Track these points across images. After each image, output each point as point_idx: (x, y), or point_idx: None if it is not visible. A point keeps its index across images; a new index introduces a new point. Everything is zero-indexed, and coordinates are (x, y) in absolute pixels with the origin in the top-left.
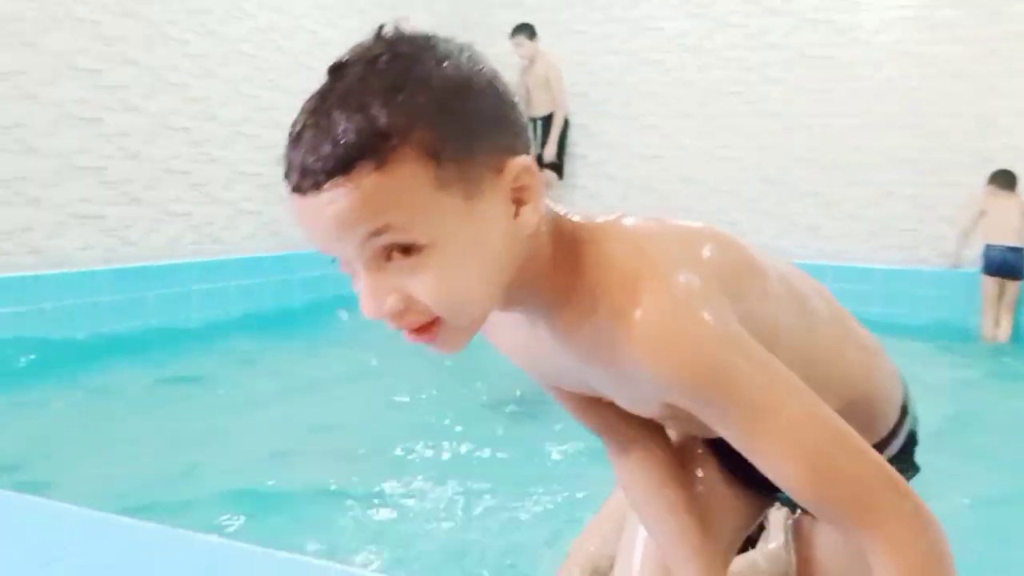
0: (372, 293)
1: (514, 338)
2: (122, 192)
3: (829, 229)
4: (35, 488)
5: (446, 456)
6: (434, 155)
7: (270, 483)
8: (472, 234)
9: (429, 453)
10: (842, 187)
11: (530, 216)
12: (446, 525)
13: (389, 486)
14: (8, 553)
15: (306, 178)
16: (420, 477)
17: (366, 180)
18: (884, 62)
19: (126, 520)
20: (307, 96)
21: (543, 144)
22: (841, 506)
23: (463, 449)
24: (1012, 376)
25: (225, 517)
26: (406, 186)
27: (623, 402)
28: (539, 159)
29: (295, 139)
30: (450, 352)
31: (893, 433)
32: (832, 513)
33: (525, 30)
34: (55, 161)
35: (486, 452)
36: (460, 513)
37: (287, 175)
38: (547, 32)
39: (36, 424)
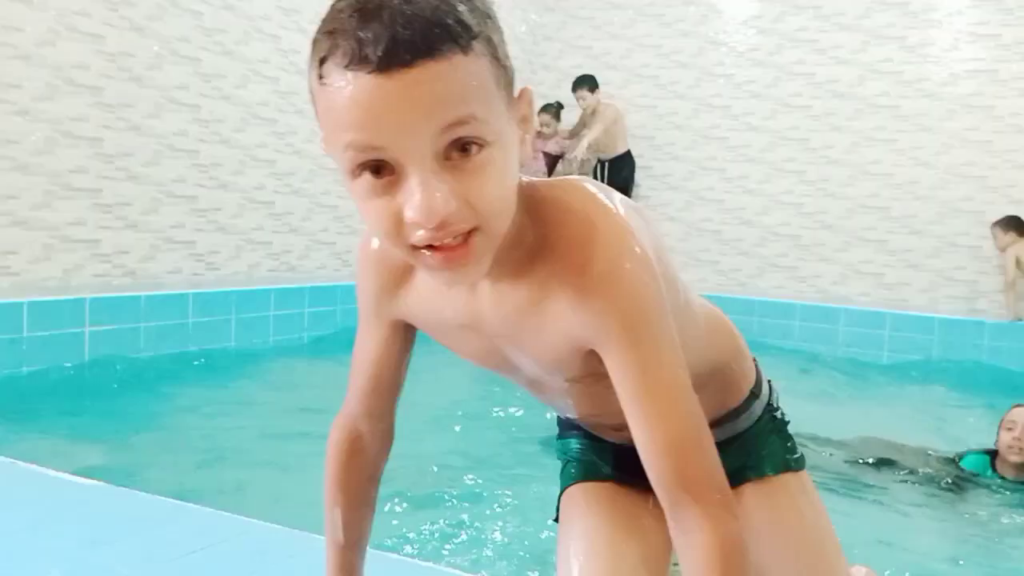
0: (431, 196)
1: (441, 303)
2: (210, 220)
3: (891, 277)
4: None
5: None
6: (495, 56)
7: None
8: (513, 142)
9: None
10: (904, 236)
11: (527, 146)
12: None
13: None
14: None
15: (393, 54)
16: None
17: (457, 64)
18: (951, 114)
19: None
20: None
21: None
22: (685, 480)
23: (503, 473)
24: None
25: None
26: (483, 79)
27: (538, 364)
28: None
29: (369, 14)
30: (467, 279)
31: (746, 404)
32: (675, 483)
33: (587, 83)
34: (153, 188)
35: (520, 472)
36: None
37: (355, 51)
38: (615, 76)
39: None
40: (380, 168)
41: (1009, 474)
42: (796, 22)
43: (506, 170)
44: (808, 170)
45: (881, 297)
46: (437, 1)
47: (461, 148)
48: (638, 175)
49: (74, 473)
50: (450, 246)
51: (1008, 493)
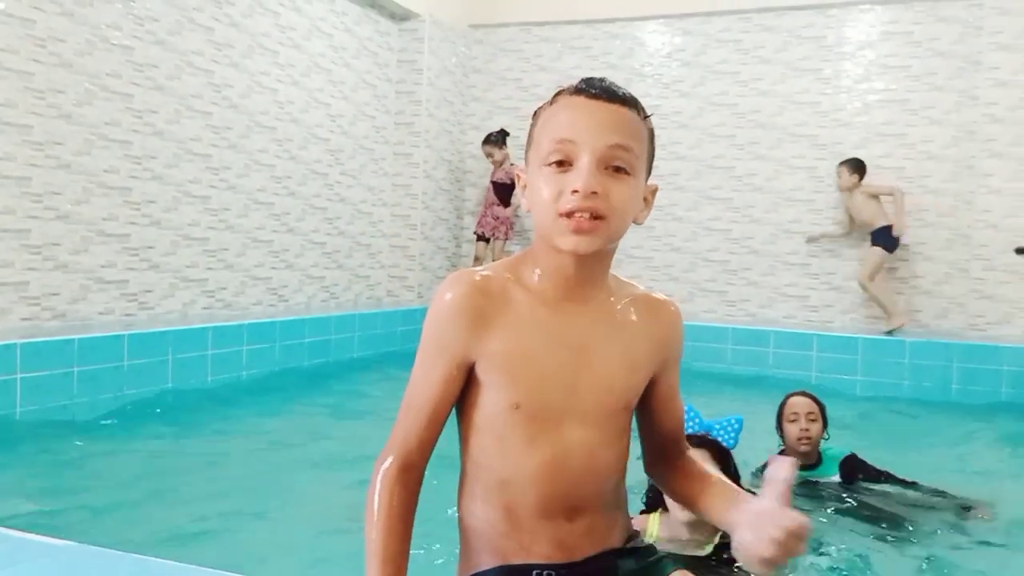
0: (593, 175)
1: (540, 326)
2: (142, 258)
3: (815, 299)
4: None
5: None
6: (651, 143)
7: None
8: (638, 193)
9: None
10: (826, 259)
11: (642, 215)
12: None
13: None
14: None
15: (613, 94)
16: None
17: (637, 119)
18: (865, 142)
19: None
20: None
21: None
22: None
23: None
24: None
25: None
26: (643, 142)
27: (610, 381)
28: None
29: (597, 80)
30: (590, 246)
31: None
32: (681, 438)
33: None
34: (83, 227)
35: None
36: None
37: (586, 88)
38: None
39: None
40: (561, 164)
41: (801, 447)
42: (718, 55)
43: (634, 199)
44: (734, 197)
45: (805, 319)
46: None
47: (616, 169)
48: None
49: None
50: (585, 220)
51: (806, 487)
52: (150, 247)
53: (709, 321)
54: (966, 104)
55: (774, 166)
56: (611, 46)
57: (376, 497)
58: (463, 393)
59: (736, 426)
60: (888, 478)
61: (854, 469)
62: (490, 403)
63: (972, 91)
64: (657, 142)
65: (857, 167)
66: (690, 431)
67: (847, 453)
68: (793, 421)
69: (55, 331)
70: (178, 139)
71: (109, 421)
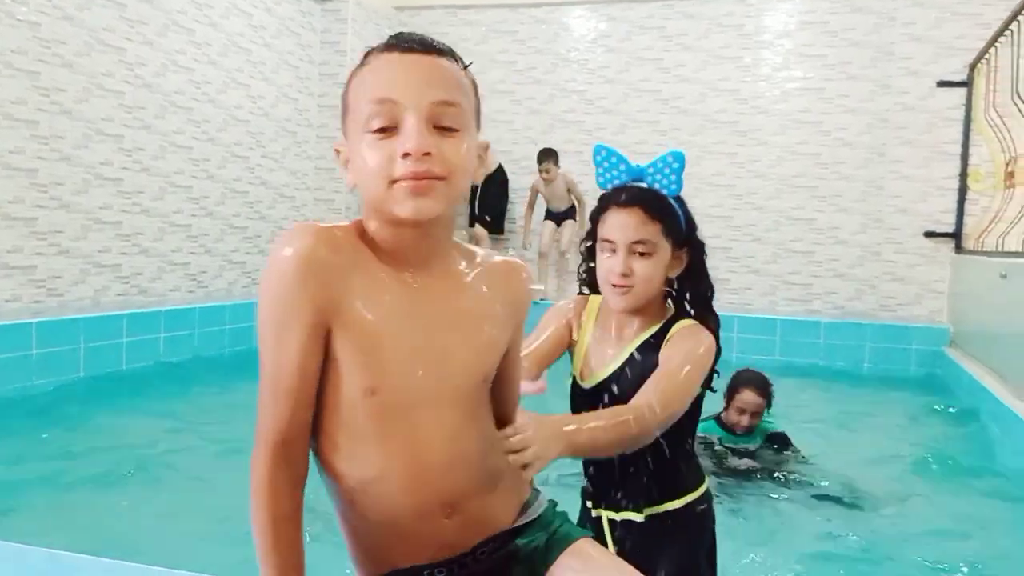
0: (423, 135)
1: (395, 297)
2: (51, 243)
3: (735, 282)
4: None
5: None
6: (476, 95)
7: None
8: (473, 149)
9: None
10: (746, 243)
11: (479, 172)
12: None
13: None
14: None
15: (429, 46)
16: None
17: (458, 70)
18: (783, 129)
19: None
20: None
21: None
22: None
23: None
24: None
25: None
26: (468, 93)
27: (474, 350)
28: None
29: (409, 34)
30: (432, 209)
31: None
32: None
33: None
34: None
35: None
36: None
37: (403, 41)
38: None
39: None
40: (384, 130)
41: (738, 431)
42: (642, 42)
43: (471, 156)
44: None
45: (726, 301)
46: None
47: (445, 129)
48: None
49: None
50: (426, 177)
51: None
52: (59, 231)
53: None
54: (879, 93)
55: (696, 152)
56: (537, 31)
57: (263, 500)
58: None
59: (675, 164)
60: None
61: (775, 448)
62: (340, 388)
63: (885, 80)
64: (583, 127)
65: (556, 157)
66: (615, 181)
67: (778, 432)
68: (741, 412)
69: None
70: (88, 119)
71: (16, 412)
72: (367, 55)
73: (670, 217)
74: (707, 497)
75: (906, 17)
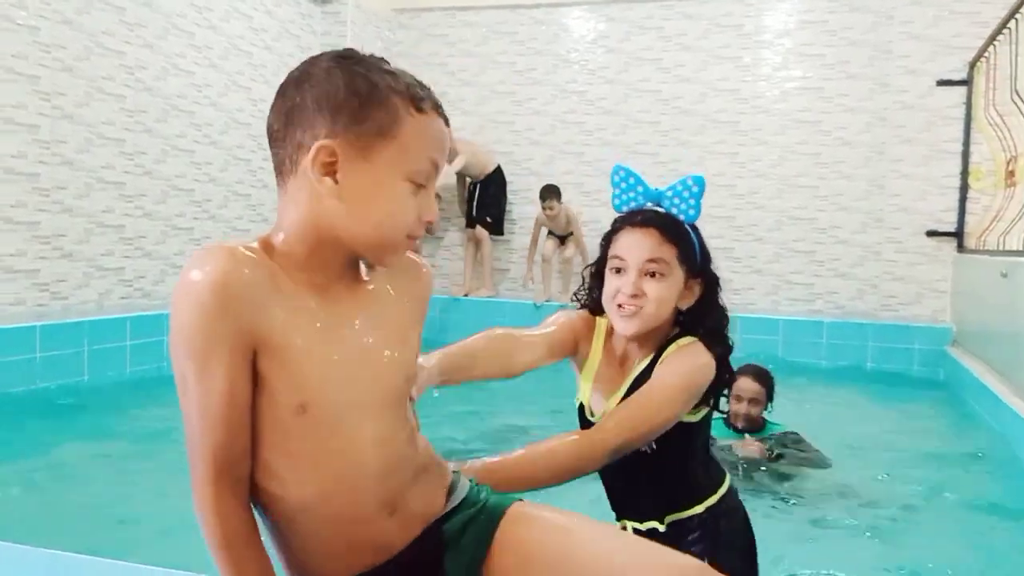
0: (435, 207)
1: (314, 311)
2: (54, 246)
3: (738, 282)
4: None
5: None
6: None
7: None
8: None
9: None
10: (748, 243)
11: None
12: None
13: None
14: None
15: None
16: None
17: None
18: (784, 128)
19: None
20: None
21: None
22: None
23: None
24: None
25: None
26: None
27: (397, 349)
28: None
29: (433, 93)
30: (392, 263)
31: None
32: None
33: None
34: None
35: None
36: None
37: (439, 106)
38: (472, 93)
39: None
40: (421, 186)
41: (740, 424)
42: (641, 42)
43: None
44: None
45: (729, 302)
46: None
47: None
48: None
49: None
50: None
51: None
52: (62, 235)
53: None
54: (878, 91)
55: (697, 152)
56: (536, 31)
57: (215, 529)
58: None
59: (696, 188)
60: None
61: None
62: (269, 410)
63: (884, 79)
64: (584, 128)
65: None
66: (632, 203)
67: (788, 432)
68: (738, 401)
69: None
70: (89, 123)
71: (20, 414)
72: (422, 102)
73: (686, 243)
74: (730, 497)
75: (904, 16)
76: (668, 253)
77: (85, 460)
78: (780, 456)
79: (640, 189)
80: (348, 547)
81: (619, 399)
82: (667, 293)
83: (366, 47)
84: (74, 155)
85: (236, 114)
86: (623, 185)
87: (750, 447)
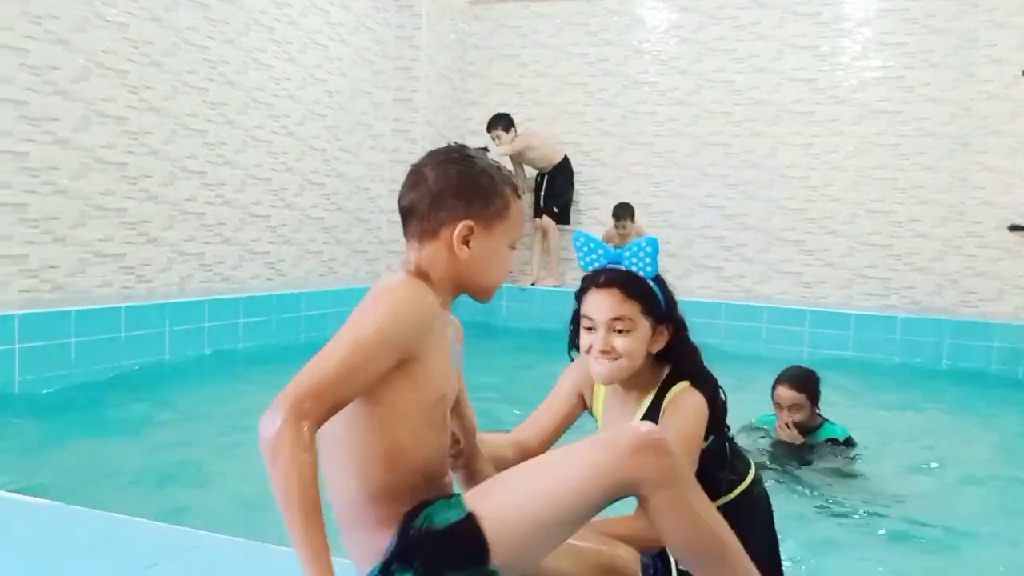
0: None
1: (443, 334)
2: (140, 232)
3: (808, 276)
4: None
5: None
6: None
7: None
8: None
9: None
10: (821, 236)
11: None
12: None
13: None
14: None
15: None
16: None
17: None
18: (861, 119)
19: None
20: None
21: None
22: None
23: None
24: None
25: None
26: None
27: (456, 362)
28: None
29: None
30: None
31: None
32: None
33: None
34: (81, 202)
35: None
36: None
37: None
38: (545, 84)
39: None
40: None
41: (782, 436)
42: (715, 32)
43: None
44: (730, 174)
45: (799, 295)
46: None
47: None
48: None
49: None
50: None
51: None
52: (147, 221)
53: (704, 297)
54: (962, 81)
55: (771, 143)
56: (609, 22)
57: (295, 472)
58: (393, 380)
59: (649, 249)
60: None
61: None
62: (424, 393)
63: (968, 68)
64: (655, 119)
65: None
66: (595, 264)
67: (843, 436)
68: (779, 409)
69: (54, 303)
70: (174, 115)
71: (105, 391)
72: (518, 190)
73: (648, 297)
74: (755, 487)
75: (989, 3)
76: (631, 310)
77: (168, 434)
78: (812, 447)
79: (600, 252)
80: (424, 490)
81: None
82: (634, 345)
83: (441, 40)
84: (160, 146)
85: (313, 106)
86: (585, 249)
87: (785, 431)
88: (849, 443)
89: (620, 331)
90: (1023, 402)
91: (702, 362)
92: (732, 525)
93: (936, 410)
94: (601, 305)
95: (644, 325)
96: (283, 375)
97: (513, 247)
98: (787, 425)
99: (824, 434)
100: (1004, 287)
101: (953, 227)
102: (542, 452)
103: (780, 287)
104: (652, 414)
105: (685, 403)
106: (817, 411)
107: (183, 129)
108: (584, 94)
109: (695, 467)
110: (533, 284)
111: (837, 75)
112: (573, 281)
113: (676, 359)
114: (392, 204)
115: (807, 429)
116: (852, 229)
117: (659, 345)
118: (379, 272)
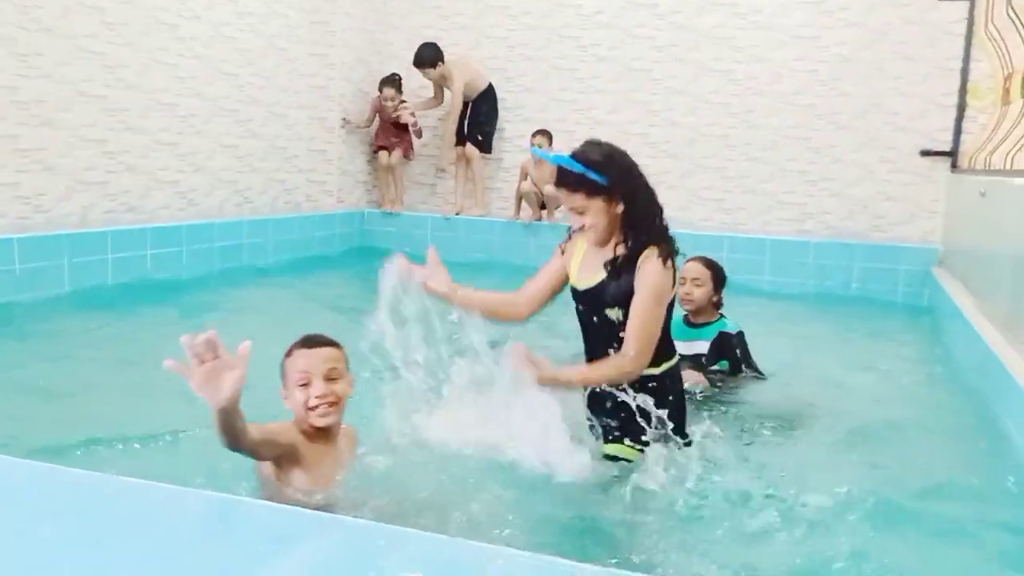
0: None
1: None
2: (35, 160)
3: (730, 202)
4: None
5: None
6: None
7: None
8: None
9: None
10: (741, 163)
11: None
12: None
13: None
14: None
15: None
16: None
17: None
18: (781, 45)
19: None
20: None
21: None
22: None
23: None
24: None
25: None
26: None
27: None
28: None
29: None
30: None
31: None
32: None
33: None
34: None
35: None
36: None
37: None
38: (468, 7)
39: None
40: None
41: (685, 306)
42: None
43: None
44: (653, 100)
45: (720, 221)
46: None
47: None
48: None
49: None
50: None
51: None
52: (43, 148)
53: (703, 229)
54: (881, 4)
55: (693, 69)
56: None
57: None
58: None
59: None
60: (744, 368)
61: (721, 346)
62: None
63: None
64: (579, 43)
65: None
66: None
67: (735, 330)
68: (683, 283)
69: None
70: (69, 36)
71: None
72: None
73: (587, 185)
74: (677, 368)
75: None
76: (580, 200)
77: (65, 368)
78: (716, 386)
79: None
80: None
81: (601, 280)
82: (594, 218)
83: None
84: (54, 69)
85: (221, 28)
86: (551, 154)
87: (690, 379)
88: (741, 338)
89: (580, 212)
90: (922, 322)
91: (662, 225)
92: (655, 395)
93: (841, 331)
94: (564, 202)
95: (596, 203)
96: (200, 308)
97: None
98: (685, 298)
99: (717, 327)
100: (915, 211)
101: (868, 152)
102: (528, 309)
103: (702, 213)
104: (625, 269)
105: (652, 268)
106: (717, 303)
107: (78, 50)
108: (508, 16)
109: (662, 318)
110: (457, 214)
111: (758, 1)
112: (498, 211)
113: (636, 223)
114: (311, 132)
115: (702, 321)
116: (772, 155)
117: (619, 207)
118: (299, 202)
